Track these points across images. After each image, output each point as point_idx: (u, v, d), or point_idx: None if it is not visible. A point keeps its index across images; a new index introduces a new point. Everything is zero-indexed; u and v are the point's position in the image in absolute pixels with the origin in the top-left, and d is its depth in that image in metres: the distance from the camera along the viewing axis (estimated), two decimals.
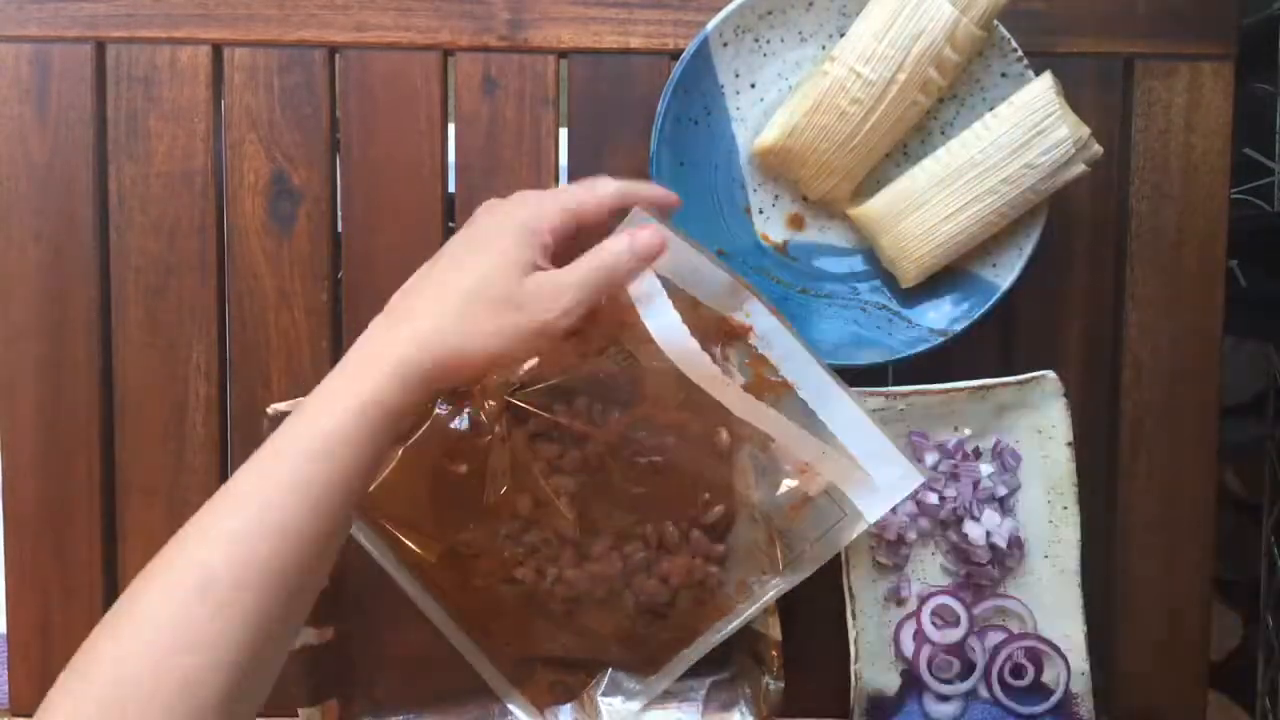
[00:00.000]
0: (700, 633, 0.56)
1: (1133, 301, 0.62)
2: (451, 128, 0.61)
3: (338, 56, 0.60)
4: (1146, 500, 0.62)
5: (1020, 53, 0.56)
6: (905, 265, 0.58)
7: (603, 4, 0.60)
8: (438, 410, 0.53)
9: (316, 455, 0.42)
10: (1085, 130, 0.55)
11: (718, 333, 0.50)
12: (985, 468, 0.60)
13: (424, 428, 0.53)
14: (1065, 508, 0.59)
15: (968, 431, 0.60)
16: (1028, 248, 0.58)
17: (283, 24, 0.60)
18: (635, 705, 0.57)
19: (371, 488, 0.53)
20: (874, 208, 0.58)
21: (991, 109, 0.57)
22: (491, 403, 0.53)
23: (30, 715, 0.61)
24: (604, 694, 0.57)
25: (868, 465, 0.51)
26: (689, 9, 0.60)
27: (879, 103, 0.55)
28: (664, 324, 0.46)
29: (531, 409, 0.52)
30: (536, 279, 0.45)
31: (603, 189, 0.48)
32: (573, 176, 0.60)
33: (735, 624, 0.56)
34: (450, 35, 0.60)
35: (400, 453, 0.53)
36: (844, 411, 0.50)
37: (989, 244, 0.58)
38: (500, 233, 0.45)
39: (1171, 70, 0.61)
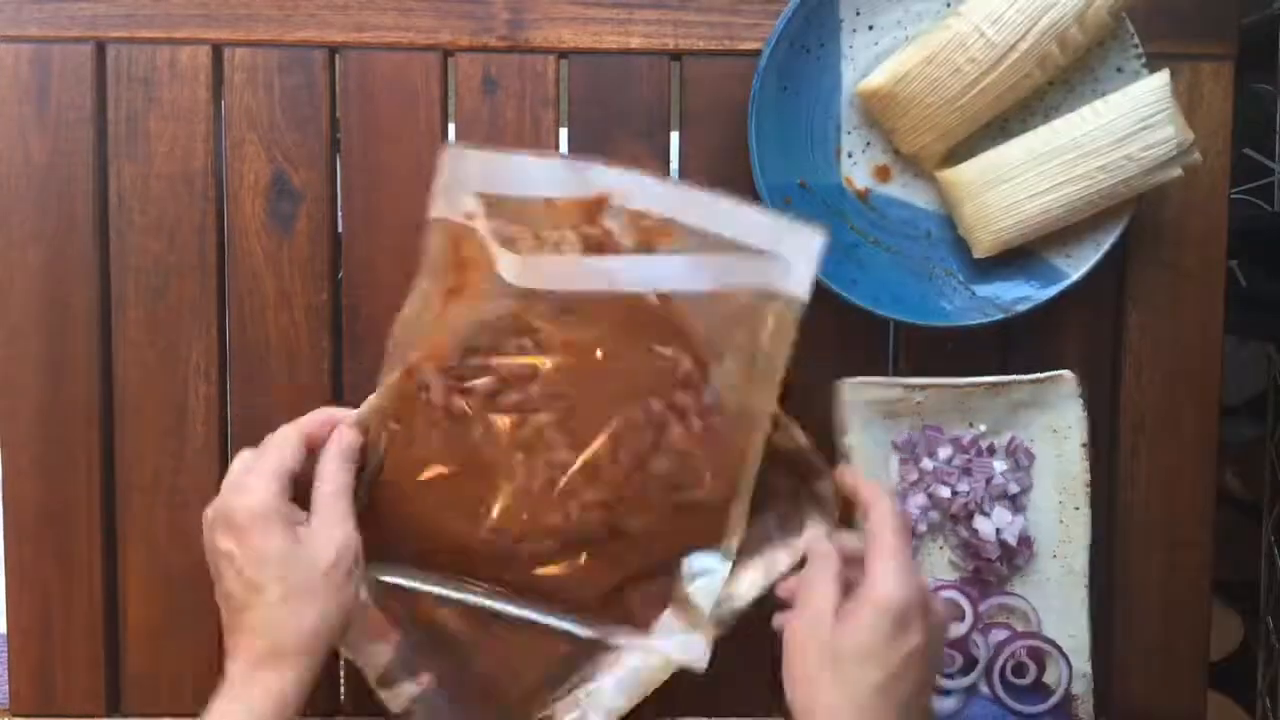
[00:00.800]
0: (737, 481, 0.56)
1: (1133, 301, 0.62)
2: (451, 128, 0.61)
3: (338, 57, 0.60)
4: (1146, 500, 0.62)
5: (1140, 50, 0.57)
6: (982, 235, 0.58)
7: (603, 4, 0.60)
8: (391, 428, 0.53)
9: None
10: (1190, 135, 0.56)
11: (583, 217, 0.52)
12: (998, 464, 0.60)
13: (378, 461, 0.54)
14: (1076, 508, 0.59)
15: (982, 427, 0.60)
16: (1106, 243, 0.58)
17: (283, 24, 0.60)
18: (721, 576, 0.56)
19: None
20: (964, 172, 0.58)
21: (1100, 99, 0.57)
22: (436, 395, 0.53)
23: (30, 715, 0.61)
24: (691, 585, 0.57)
25: (776, 250, 0.52)
26: (689, 9, 0.60)
27: (995, 67, 0.55)
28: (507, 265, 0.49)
29: (474, 376, 0.53)
30: (315, 547, 0.49)
31: (290, 432, 0.51)
32: None
33: (759, 449, 0.55)
34: (450, 35, 0.60)
35: (369, 501, 0.54)
36: (730, 216, 0.52)
37: (1067, 233, 0.58)
38: (256, 540, 0.48)
39: (1171, 70, 0.61)
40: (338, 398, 0.61)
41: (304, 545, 0.48)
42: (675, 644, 0.56)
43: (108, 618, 0.61)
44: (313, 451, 0.51)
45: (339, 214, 0.61)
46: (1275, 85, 0.78)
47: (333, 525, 0.50)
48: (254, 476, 0.49)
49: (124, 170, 0.60)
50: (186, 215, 0.60)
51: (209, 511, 0.50)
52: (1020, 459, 0.60)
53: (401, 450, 0.54)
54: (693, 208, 0.52)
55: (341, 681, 0.62)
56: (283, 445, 0.51)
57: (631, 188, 0.52)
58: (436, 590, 0.56)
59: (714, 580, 0.56)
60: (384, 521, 0.54)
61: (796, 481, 0.58)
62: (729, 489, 0.55)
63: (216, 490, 0.60)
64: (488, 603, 0.57)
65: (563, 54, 0.61)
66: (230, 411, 0.61)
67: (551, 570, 0.56)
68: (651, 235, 0.53)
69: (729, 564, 0.56)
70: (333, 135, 0.61)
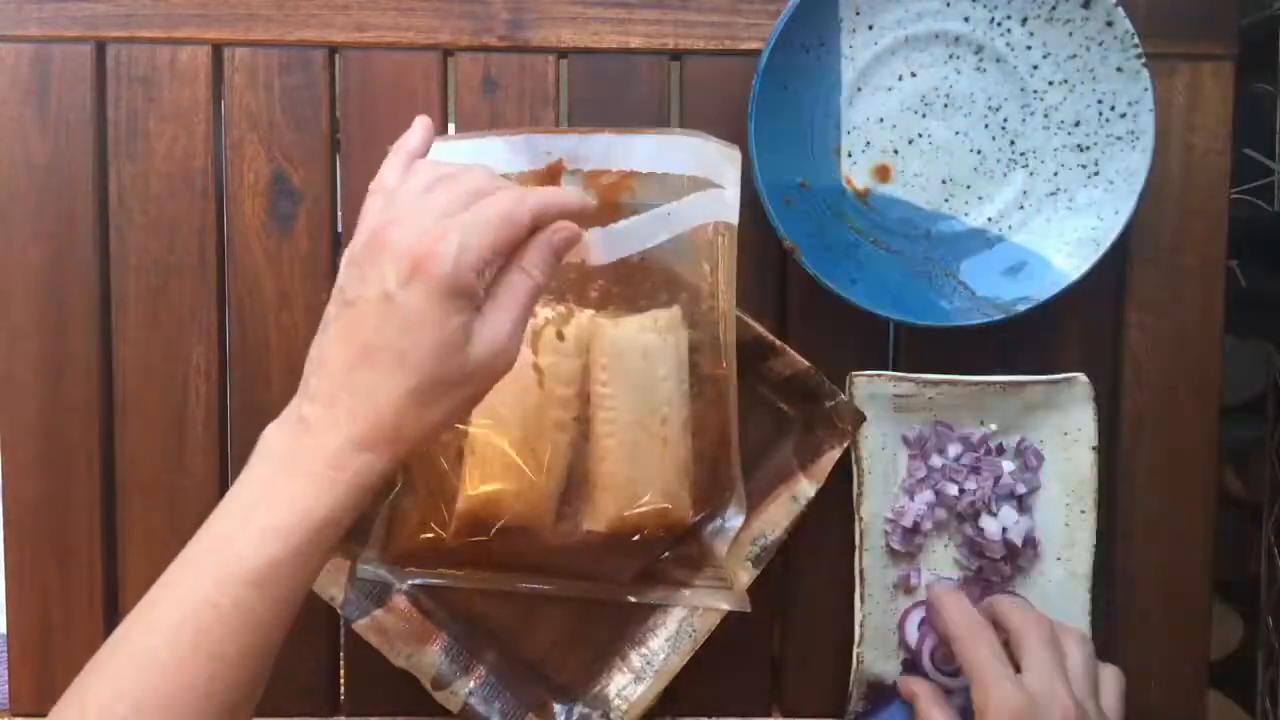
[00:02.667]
0: (727, 425, 0.56)
1: (1133, 301, 0.62)
2: (451, 128, 0.61)
3: (338, 56, 0.60)
4: (1146, 500, 0.62)
5: (1140, 50, 0.56)
6: None
7: (603, 4, 0.60)
8: None
9: (259, 581, 0.39)
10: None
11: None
12: (1007, 464, 0.60)
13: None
14: (1083, 511, 0.59)
15: (993, 426, 0.60)
16: (1106, 243, 0.58)
17: (283, 24, 0.60)
18: (738, 524, 0.57)
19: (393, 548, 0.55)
20: None
21: (1100, 100, 0.57)
22: None
23: (30, 715, 0.61)
24: (715, 540, 0.58)
25: (718, 177, 0.53)
26: (689, 9, 0.60)
27: None
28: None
29: None
30: (477, 346, 0.41)
31: (520, 210, 0.42)
32: None
33: (734, 388, 0.56)
34: (450, 35, 0.60)
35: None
36: (674, 150, 0.53)
37: (1068, 233, 0.59)
38: (431, 308, 0.40)
39: (1171, 70, 0.61)
40: None
41: (474, 338, 0.41)
42: (715, 594, 0.58)
43: (108, 618, 0.61)
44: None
45: (339, 214, 0.61)
46: (1275, 85, 0.78)
47: (512, 334, 0.42)
48: (469, 235, 0.40)
49: (124, 170, 0.60)
50: (186, 215, 0.60)
51: (381, 219, 0.42)
52: (1029, 460, 0.60)
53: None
54: (639, 152, 0.52)
55: (341, 681, 0.62)
56: (509, 218, 0.42)
57: (577, 148, 0.52)
58: (475, 585, 0.57)
59: (734, 531, 0.57)
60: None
61: (807, 405, 0.59)
62: (723, 435, 0.56)
63: (216, 490, 0.60)
64: (530, 586, 0.58)
65: (563, 54, 0.61)
66: (230, 411, 0.61)
67: (591, 563, 0.57)
68: (615, 191, 0.53)
69: (742, 513, 0.57)
70: (333, 135, 0.61)
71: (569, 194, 0.46)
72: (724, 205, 0.53)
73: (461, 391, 0.41)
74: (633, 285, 0.54)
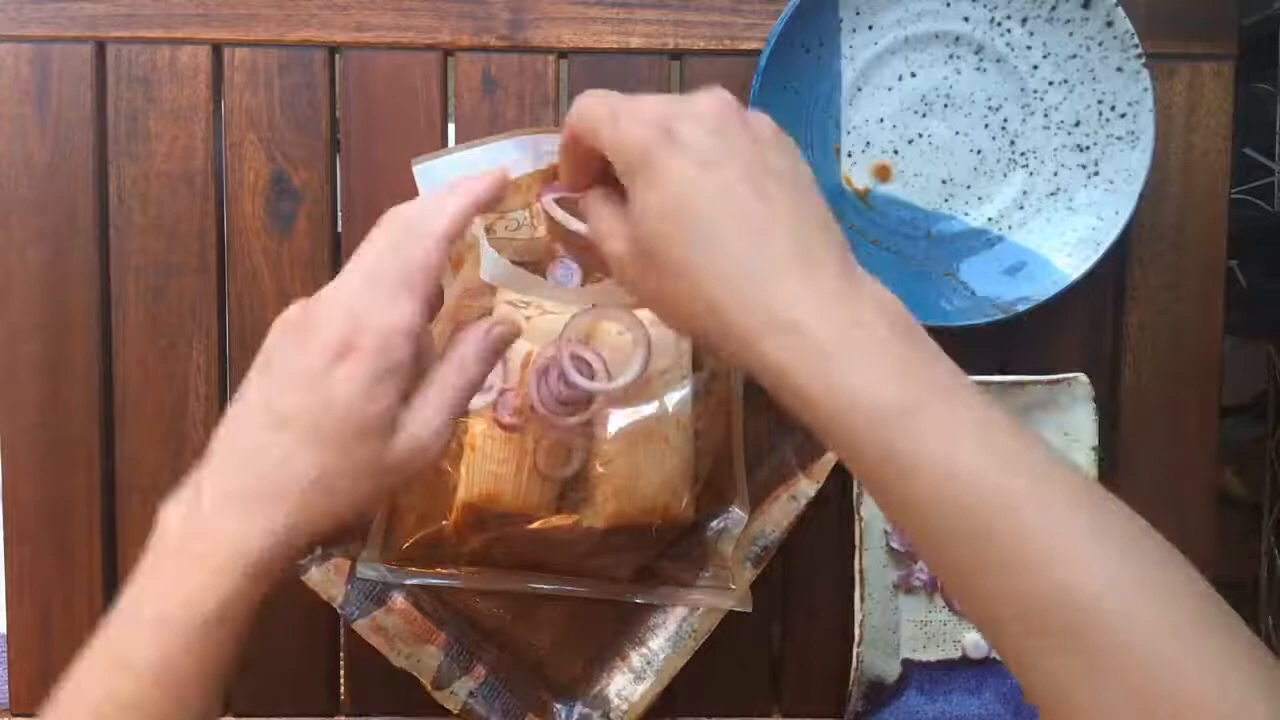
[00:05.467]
0: (729, 426, 0.57)
1: (1133, 301, 0.62)
2: (451, 128, 0.61)
3: (338, 56, 0.60)
4: (1146, 500, 0.62)
5: (1140, 50, 0.56)
6: None
7: (603, 4, 0.60)
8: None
9: (158, 679, 0.37)
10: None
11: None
12: None
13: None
14: None
15: None
16: (1106, 243, 0.58)
17: (283, 24, 0.60)
18: (741, 524, 0.58)
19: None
20: None
21: (1100, 100, 0.57)
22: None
23: (30, 715, 0.61)
24: (718, 541, 0.58)
25: None
26: (689, 9, 0.60)
27: None
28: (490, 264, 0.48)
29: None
30: (400, 439, 0.39)
31: (426, 246, 0.39)
32: None
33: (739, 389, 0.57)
34: (450, 35, 0.60)
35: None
36: None
37: (1068, 233, 0.59)
38: (356, 390, 0.37)
39: (1171, 70, 0.61)
40: None
41: (398, 430, 0.39)
42: (716, 593, 0.58)
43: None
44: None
45: (339, 214, 0.61)
46: (1275, 85, 0.78)
47: (437, 429, 0.39)
48: (405, 296, 0.38)
49: (124, 170, 0.60)
50: (186, 215, 0.60)
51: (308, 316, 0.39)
52: None
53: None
54: None
55: (341, 681, 0.62)
56: (426, 265, 0.38)
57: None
58: (475, 586, 0.57)
59: (737, 530, 0.57)
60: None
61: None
62: (727, 434, 0.56)
63: None
64: (531, 587, 0.58)
65: (563, 54, 0.61)
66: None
67: (591, 559, 0.57)
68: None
69: (745, 512, 0.58)
70: (333, 135, 0.61)
71: (468, 183, 0.41)
72: None
73: (372, 483, 0.39)
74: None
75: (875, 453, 0.33)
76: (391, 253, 0.39)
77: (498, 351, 0.42)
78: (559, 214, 0.43)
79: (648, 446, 0.54)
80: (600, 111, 0.39)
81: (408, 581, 0.58)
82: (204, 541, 0.38)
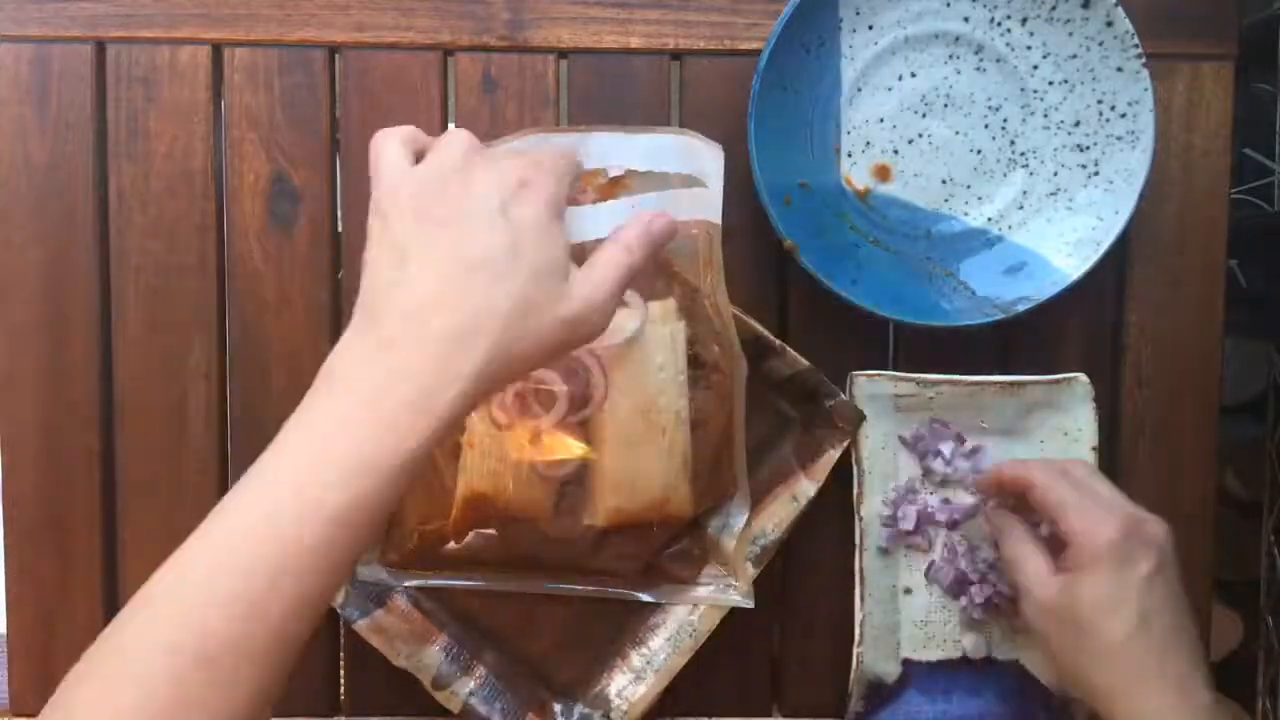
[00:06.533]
0: (732, 424, 0.57)
1: (1133, 301, 0.62)
2: (451, 128, 0.61)
3: (338, 56, 0.60)
4: (1146, 500, 0.62)
5: (1140, 50, 0.56)
6: None
7: (603, 4, 0.60)
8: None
9: (346, 521, 0.36)
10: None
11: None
12: None
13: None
14: None
15: (985, 425, 0.60)
16: (1106, 243, 0.58)
17: (283, 24, 0.60)
18: (743, 521, 0.58)
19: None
20: None
21: (1100, 100, 0.57)
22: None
23: (30, 715, 0.61)
24: (719, 537, 0.58)
25: (703, 175, 0.53)
26: (689, 9, 0.60)
27: None
28: None
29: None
30: (576, 293, 0.40)
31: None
32: None
33: (742, 384, 0.56)
34: (450, 35, 0.60)
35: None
36: (662, 149, 0.52)
37: (1068, 233, 0.59)
38: (540, 225, 0.39)
39: (1171, 70, 0.61)
40: None
41: (574, 285, 0.40)
42: (716, 591, 0.58)
43: (108, 618, 0.61)
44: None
45: (339, 214, 0.61)
46: (1275, 85, 0.78)
47: (608, 292, 0.40)
48: (560, 167, 0.42)
49: (124, 170, 0.60)
50: (186, 215, 0.60)
51: (481, 159, 0.41)
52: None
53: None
54: (636, 151, 0.52)
55: (341, 681, 0.62)
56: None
57: (575, 146, 0.51)
58: (475, 585, 0.57)
59: (738, 527, 0.58)
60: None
61: (807, 405, 0.59)
62: (726, 430, 0.56)
63: (216, 490, 0.60)
64: (532, 587, 0.58)
65: (563, 54, 0.61)
66: (230, 411, 0.61)
67: (591, 557, 0.57)
68: (612, 190, 0.52)
69: (746, 509, 0.58)
70: (333, 135, 0.61)
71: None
72: (704, 203, 0.53)
73: (554, 330, 0.39)
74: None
75: None
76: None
77: (657, 242, 0.43)
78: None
79: (646, 443, 0.54)
80: (1064, 492, 0.52)
81: (408, 584, 0.58)
82: (405, 390, 0.37)
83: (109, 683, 0.36)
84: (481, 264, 0.38)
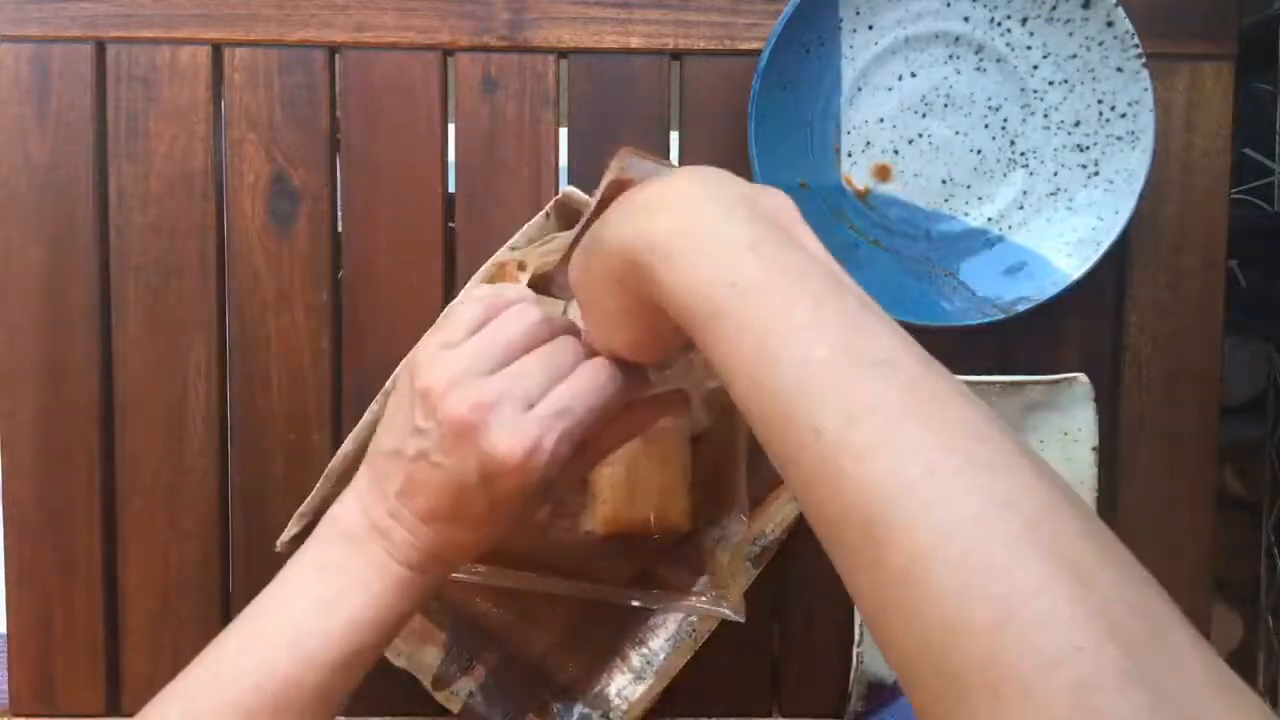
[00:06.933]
0: (735, 438, 0.56)
1: (1133, 301, 0.62)
2: (451, 128, 0.61)
3: (338, 56, 0.60)
4: (1146, 500, 0.62)
5: (1140, 50, 0.56)
6: None
7: (603, 4, 0.60)
8: None
9: (348, 666, 0.41)
10: None
11: None
12: None
13: None
14: None
15: None
16: (1106, 243, 0.58)
17: (283, 24, 0.60)
18: (742, 532, 0.57)
19: None
20: None
21: (1100, 100, 0.57)
22: None
23: (30, 715, 0.61)
24: (716, 548, 0.58)
25: None
26: (689, 9, 0.60)
27: None
28: None
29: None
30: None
31: (611, 388, 0.41)
32: (572, 177, 0.61)
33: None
34: (450, 35, 0.60)
35: None
36: None
37: (1068, 233, 0.59)
38: (514, 502, 0.40)
39: (1171, 70, 0.61)
40: (338, 398, 0.61)
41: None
42: (710, 602, 0.58)
43: (108, 618, 0.61)
44: None
45: (339, 214, 0.61)
46: (1275, 85, 0.78)
47: (562, 449, 0.40)
48: (565, 429, 0.39)
49: (124, 170, 0.60)
50: (186, 215, 0.60)
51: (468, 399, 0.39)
52: None
53: None
54: None
55: None
56: (602, 394, 0.41)
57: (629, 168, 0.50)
58: (475, 579, 0.57)
59: (735, 540, 0.57)
60: None
61: None
62: (730, 446, 0.56)
63: (216, 490, 0.60)
64: (536, 587, 0.58)
65: (563, 54, 0.61)
66: (230, 411, 0.61)
67: (588, 560, 0.57)
68: None
69: (743, 526, 0.57)
70: (333, 135, 0.61)
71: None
72: None
73: (513, 498, 0.40)
74: None
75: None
76: None
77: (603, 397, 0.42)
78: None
79: (647, 454, 0.54)
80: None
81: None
82: (400, 562, 0.42)
83: None
84: (461, 517, 0.41)
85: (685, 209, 0.35)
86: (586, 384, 0.40)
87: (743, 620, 0.57)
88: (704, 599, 0.58)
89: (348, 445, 0.55)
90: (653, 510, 0.54)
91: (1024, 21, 0.58)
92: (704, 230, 0.34)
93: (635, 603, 0.58)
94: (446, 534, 0.41)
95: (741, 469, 0.57)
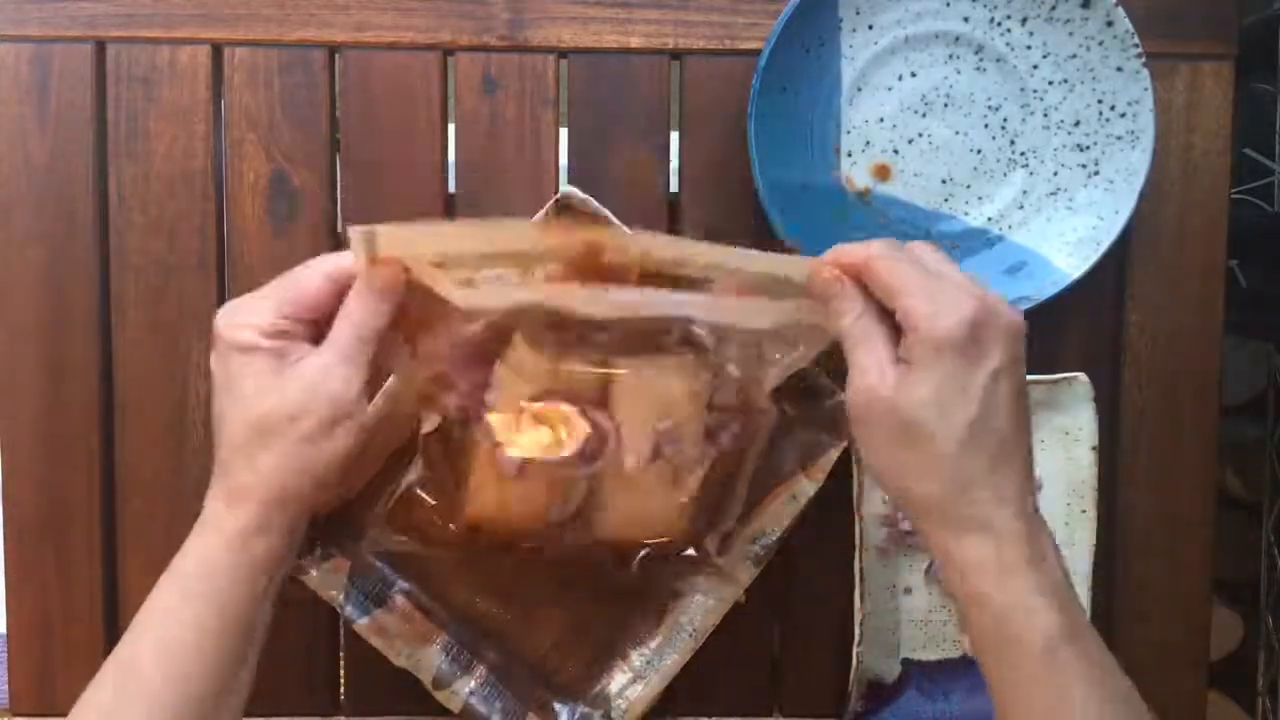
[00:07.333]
0: (744, 455, 0.55)
1: (1133, 301, 0.62)
2: (451, 128, 0.61)
3: (338, 56, 0.60)
4: (1146, 500, 0.62)
5: (1140, 50, 0.56)
6: None
7: (603, 4, 0.60)
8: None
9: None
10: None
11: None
12: None
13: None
14: (1084, 511, 0.59)
15: None
16: (1106, 243, 0.58)
17: (283, 24, 0.60)
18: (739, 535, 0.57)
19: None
20: None
21: (1100, 100, 0.57)
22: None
23: (30, 715, 0.61)
24: (715, 550, 0.57)
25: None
26: (689, 9, 0.60)
27: None
28: None
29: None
30: (291, 384, 0.45)
31: (308, 272, 0.48)
32: (572, 177, 0.61)
33: (763, 434, 0.54)
34: (450, 35, 0.60)
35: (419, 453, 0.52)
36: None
37: (1068, 233, 0.59)
38: (220, 369, 0.46)
39: (1171, 70, 0.61)
40: None
41: (285, 380, 0.44)
42: (715, 596, 0.58)
43: (107, 618, 0.61)
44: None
45: (339, 214, 0.61)
46: (1275, 85, 0.78)
47: (330, 366, 0.45)
48: (256, 298, 0.47)
49: (124, 170, 0.60)
50: (186, 215, 0.60)
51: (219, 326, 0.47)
52: None
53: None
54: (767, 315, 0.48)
55: (341, 681, 0.62)
56: (303, 278, 0.47)
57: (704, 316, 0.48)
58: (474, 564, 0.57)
59: (734, 539, 0.57)
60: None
61: (807, 405, 0.58)
62: (739, 466, 0.56)
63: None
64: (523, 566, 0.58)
65: (563, 54, 0.61)
66: None
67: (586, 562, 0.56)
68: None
69: (735, 515, 0.57)
70: (333, 135, 0.61)
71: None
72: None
73: (287, 429, 0.44)
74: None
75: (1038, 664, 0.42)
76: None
77: (384, 297, 0.46)
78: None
79: (654, 482, 0.53)
80: (906, 271, 0.42)
81: (395, 538, 0.56)
82: (211, 522, 0.48)
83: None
84: (216, 419, 0.48)
85: None
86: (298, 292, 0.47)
87: (742, 600, 0.57)
88: (706, 596, 0.58)
89: None
90: (656, 529, 0.53)
91: (1024, 21, 0.58)
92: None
93: (632, 594, 0.57)
94: (253, 461, 0.46)
95: (745, 481, 0.56)
